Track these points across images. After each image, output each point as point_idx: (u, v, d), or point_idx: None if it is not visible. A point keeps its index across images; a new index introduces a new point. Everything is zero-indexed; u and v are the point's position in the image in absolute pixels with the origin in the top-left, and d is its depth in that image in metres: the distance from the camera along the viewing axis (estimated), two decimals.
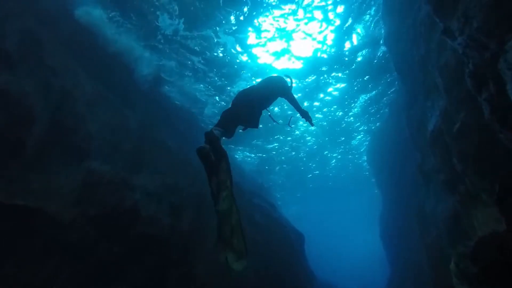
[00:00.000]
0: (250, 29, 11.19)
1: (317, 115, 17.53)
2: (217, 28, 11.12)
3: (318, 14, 10.74)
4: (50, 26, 8.45)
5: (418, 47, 7.29)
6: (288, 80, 5.63)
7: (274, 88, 5.28)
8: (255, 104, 5.00)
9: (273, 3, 10.20)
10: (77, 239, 6.32)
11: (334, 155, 25.30)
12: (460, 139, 5.05)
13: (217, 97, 15.39)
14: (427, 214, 9.75)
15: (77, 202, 6.51)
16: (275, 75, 5.77)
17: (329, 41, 12.09)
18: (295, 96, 5.52)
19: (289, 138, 21.27)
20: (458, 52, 3.60)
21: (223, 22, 10.84)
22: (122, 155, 8.94)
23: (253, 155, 24.02)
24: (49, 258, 6.01)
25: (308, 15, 10.69)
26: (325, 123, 18.73)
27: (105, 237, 6.83)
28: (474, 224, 4.85)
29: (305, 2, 10.18)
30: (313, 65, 13.30)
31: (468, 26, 2.95)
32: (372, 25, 11.55)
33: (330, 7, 10.42)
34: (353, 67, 13.70)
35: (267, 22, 10.99)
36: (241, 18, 10.70)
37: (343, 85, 15.04)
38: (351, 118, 18.67)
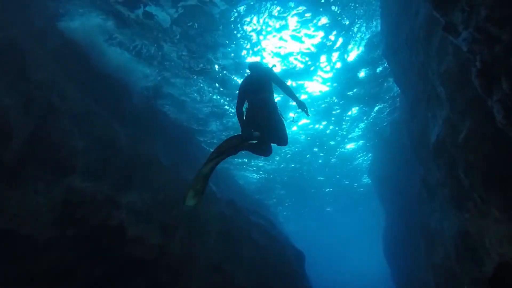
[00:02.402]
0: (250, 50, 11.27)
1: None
2: (218, 51, 11.14)
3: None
4: (38, 39, 8.22)
5: (417, 54, 6.97)
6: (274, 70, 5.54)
7: (268, 81, 5.20)
8: (270, 113, 5.08)
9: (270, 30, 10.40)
10: (54, 262, 5.83)
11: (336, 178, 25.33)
12: (466, 149, 4.63)
13: (217, 116, 15.19)
14: (432, 230, 9.25)
15: (56, 221, 6.05)
16: (255, 62, 5.58)
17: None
18: None
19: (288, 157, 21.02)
20: (462, 52, 3.22)
21: (224, 45, 10.89)
22: (110, 171, 8.53)
23: (255, 175, 23.95)
24: (21, 285, 5.50)
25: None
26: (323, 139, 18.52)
27: (86, 259, 6.33)
28: (485, 244, 4.36)
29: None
30: None
31: (474, 16, 2.58)
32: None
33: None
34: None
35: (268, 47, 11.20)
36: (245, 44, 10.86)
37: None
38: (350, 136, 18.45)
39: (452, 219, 6.35)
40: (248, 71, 5.53)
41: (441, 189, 6.84)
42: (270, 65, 5.56)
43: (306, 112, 5.35)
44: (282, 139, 5.15)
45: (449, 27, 3.16)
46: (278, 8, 9.56)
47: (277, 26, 10.21)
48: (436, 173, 6.85)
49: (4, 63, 6.55)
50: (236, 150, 5.09)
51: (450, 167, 5.48)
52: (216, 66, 11.97)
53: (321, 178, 25.56)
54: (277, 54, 11.40)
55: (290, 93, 5.24)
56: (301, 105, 5.29)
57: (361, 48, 11.55)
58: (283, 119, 5.30)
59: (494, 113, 2.92)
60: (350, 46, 11.38)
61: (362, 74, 12.99)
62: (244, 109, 5.33)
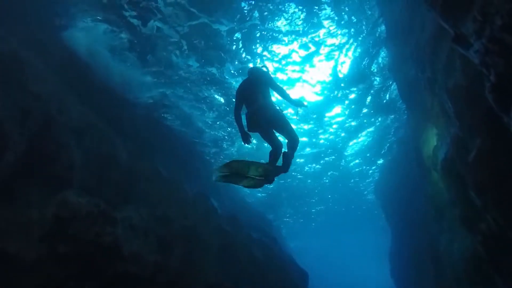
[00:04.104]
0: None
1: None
2: (223, 65, 11.21)
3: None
4: (39, 50, 8.17)
5: (423, 70, 6.78)
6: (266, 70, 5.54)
7: (263, 84, 5.20)
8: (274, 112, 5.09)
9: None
10: (42, 281, 5.57)
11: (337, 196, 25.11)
12: (477, 169, 4.37)
13: (221, 126, 15.05)
14: (440, 251, 8.84)
15: (46, 238, 5.83)
16: (253, 67, 5.58)
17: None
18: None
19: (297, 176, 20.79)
20: (472, 65, 3.01)
21: (229, 60, 10.97)
22: (108, 185, 8.33)
23: (259, 194, 23.73)
24: None
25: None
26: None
27: (76, 277, 6.06)
28: (502, 271, 4.04)
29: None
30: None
31: (488, 26, 2.38)
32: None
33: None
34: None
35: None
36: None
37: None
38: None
39: (463, 241, 6.03)
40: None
41: (450, 209, 6.53)
42: (263, 69, 5.54)
43: (306, 106, 5.46)
44: (292, 135, 5.14)
45: (459, 38, 2.95)
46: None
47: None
48: (445, 192, 6.55)
49: (2, 74, 6.46)
50: (271, 180, 5.20)
51: (460, 187, 5.20)
52: (221, 80, 11.90)
53: (325, 196, 25.23)
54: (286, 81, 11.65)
55: (285, 96, 5.27)
56: (298, 103, 5.37)
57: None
58: (285, 116, 5.30)
59: (511, 130, 2.69)
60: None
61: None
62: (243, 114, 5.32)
